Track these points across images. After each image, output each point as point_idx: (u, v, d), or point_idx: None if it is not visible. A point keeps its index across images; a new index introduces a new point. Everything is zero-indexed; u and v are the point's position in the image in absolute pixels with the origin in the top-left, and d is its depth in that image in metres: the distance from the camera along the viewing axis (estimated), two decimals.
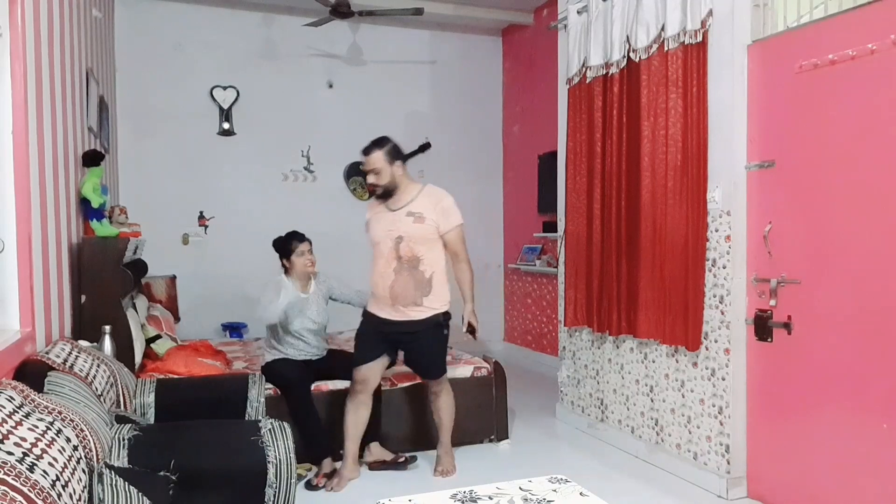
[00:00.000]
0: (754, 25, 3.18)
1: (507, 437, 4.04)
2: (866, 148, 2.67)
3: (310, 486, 3.37)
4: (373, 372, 3.43)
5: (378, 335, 3.44)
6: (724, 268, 3.23)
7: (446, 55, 6.93)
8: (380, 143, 3.34)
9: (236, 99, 6.18)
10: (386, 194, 3.36)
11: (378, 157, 3.31)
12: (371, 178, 3.35)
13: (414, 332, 3.38)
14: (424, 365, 3.54)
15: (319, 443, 3.51)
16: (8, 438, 1.50)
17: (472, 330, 3.49)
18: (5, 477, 1.31)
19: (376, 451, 3.65)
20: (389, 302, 3.35)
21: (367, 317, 3.51)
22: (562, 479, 2.08)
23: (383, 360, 3.47)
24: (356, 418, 3.44)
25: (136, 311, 3.97)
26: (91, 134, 4.04)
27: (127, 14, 5.78)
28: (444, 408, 3.56)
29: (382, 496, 1.97)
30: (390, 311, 3.37)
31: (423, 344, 3.44)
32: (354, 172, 6.59)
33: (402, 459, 3.63)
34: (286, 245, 3.70)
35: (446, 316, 3.44)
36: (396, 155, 3.34)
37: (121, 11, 5.75)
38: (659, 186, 3.49)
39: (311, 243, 3.72)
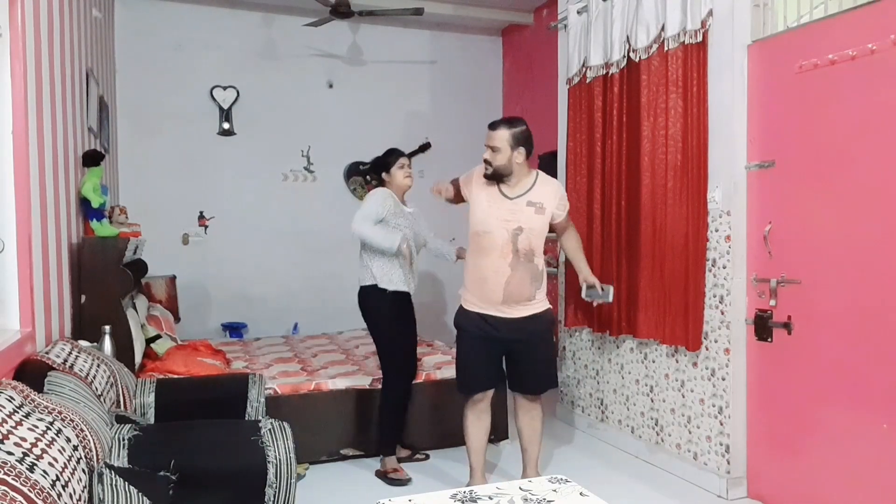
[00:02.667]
0: (754, 25, 3.18)
1: (506, 438, 4.04)
2: (866, 148, 2.67)
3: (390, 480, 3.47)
4: (487, 395, 3.17)
5: (485, 345, 3.09)
6: (724, 268, 3.23)
7: (446, 55, 6.92)
8: (510, 122, 3.04)
9: (236, 99, 6.17)
10: (495, 176, 3.03)
11: (502, 136, 2.98)
12: (486, 155, 3.01)
13: (527, 335, 3.07)
14: (538, 374, 3.15)
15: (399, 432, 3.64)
16: (8, 438, 1.50)
17: (594, 291, 3.18)
18: (5, 477, 1.31)
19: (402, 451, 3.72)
20: (501, 299, 3.02)
21: (470, 320, 3.11)
22: (562, 479, 2.08)
23: (495, 383, 3.17)
24: (478, 430, 3.17)
25: (136, 311, 3.97)
26: (91, 134, 4.03)
27: (127, 14, 5.78)
28: (541, 428, 3.24)
29: (382, 496, 1.97)
30: (500, 308, 3.05)
31: (539, 348, 3.12)
32: (354, 172, 6.59)
33: (421, 456, 3.73)
34: (386, 158, 3.62)
35: (555, 318, 3.17)
36: (521, 141, 2.99)
37: (121, 11, 5.74)
38: (659, 186, 3.49)
39: (410, 159, 3.68)
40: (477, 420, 3.16)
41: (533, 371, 3.15)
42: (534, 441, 3.22)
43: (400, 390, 3.58)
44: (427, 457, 3.73)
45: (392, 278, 3.50)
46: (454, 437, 3.59)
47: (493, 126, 3.04)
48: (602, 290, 3.20)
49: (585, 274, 3.26)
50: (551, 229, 3.16)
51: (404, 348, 3.61)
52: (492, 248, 3.01)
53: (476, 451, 3.17)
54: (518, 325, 3.06)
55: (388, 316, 3.54)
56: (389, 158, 3.62)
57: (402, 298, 3.57)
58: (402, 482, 3.43)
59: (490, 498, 1.95)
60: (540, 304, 3.10)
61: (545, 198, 3.04)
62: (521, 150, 2.99)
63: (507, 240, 2.99)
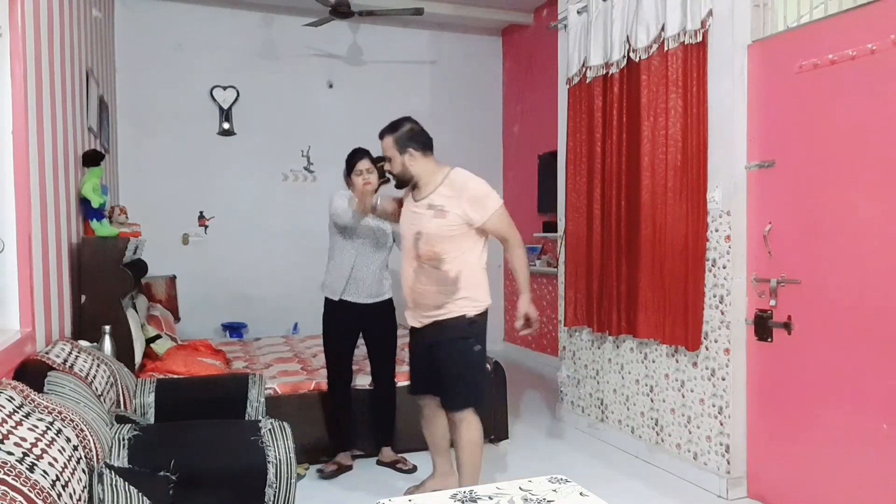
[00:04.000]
0: (754, 25, 3.18)
1: (507, 438, 4.03)
2: (866, 148, 2.67)
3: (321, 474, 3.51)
4: (424, 401, 3.08)
5: (414, 350, 3.06)
6: (724, 268, 3.23)
7: (446, 55, 6.93)
8: (392, 127, 2.89)
9: (236, 99, 6.18)
10: (401, 184, 2.95)
11: (388, 143, 2.87)
12: (386, 165, 2.94)
13: (431, 342, 2.90)
14: (442, 387, 2.91)
15: (336, 436, 3.61)
16: (8, 438, 1.50)
17: (528, 322, 2.88)
18: (5, 477, 1.31)
19: (387, 454, 3.71)
20: (412, 305, 2.95)
21: (410, 329, 3.09)
22: (562, 479, 2.08)
23: (426, 391, 3.03)
24: (429, 432, 3.14)
25: (136, 311, 3.97)
26: (91, 134, 4.03)
27: (127, 14, 5.78)
28: (464, 447, 2.89)
29: (382, 496, 1.97)
30: (414, 314, 2.96)
31: (441, 357, 2.88)
32: None
33: (407, 466, 3.64)
34: (348, 161, 3.46)
35: (476, 326, 2.86)
36: (409, 142, 2.84)
37: (121, 11, 5.75)
38: (659, 186, 3.49)
39: (376, 161, 3.36)
40: (426, 425, 3.15)
41: (443, 381, 2.90)
42: (459, 465, 2.94)
43: (333, 397, 3.61)
44: (414, 468, 3.60)
45: (328, 285, 3.57)
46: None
47: (380, 135, 2.92)
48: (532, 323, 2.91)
49: (524, 302, 2.89)
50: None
51: (331, 358, 3.60)
52: (405, 253, 2.97)
53: (432, 451, 3.19)
54: (426, 333, 2.94)
55: (324, 322, 3.60)
56: (351, 162, 3.45)
57: (339, 306, 3.52)
58: (327, 475, 3.51)
59: (490, 498, 1.95)
60: (452, 312, 2.84)
61: (447, 200, 2.79)
62: (411, 150, 2.84)
63: (412, 244, 2.88)
